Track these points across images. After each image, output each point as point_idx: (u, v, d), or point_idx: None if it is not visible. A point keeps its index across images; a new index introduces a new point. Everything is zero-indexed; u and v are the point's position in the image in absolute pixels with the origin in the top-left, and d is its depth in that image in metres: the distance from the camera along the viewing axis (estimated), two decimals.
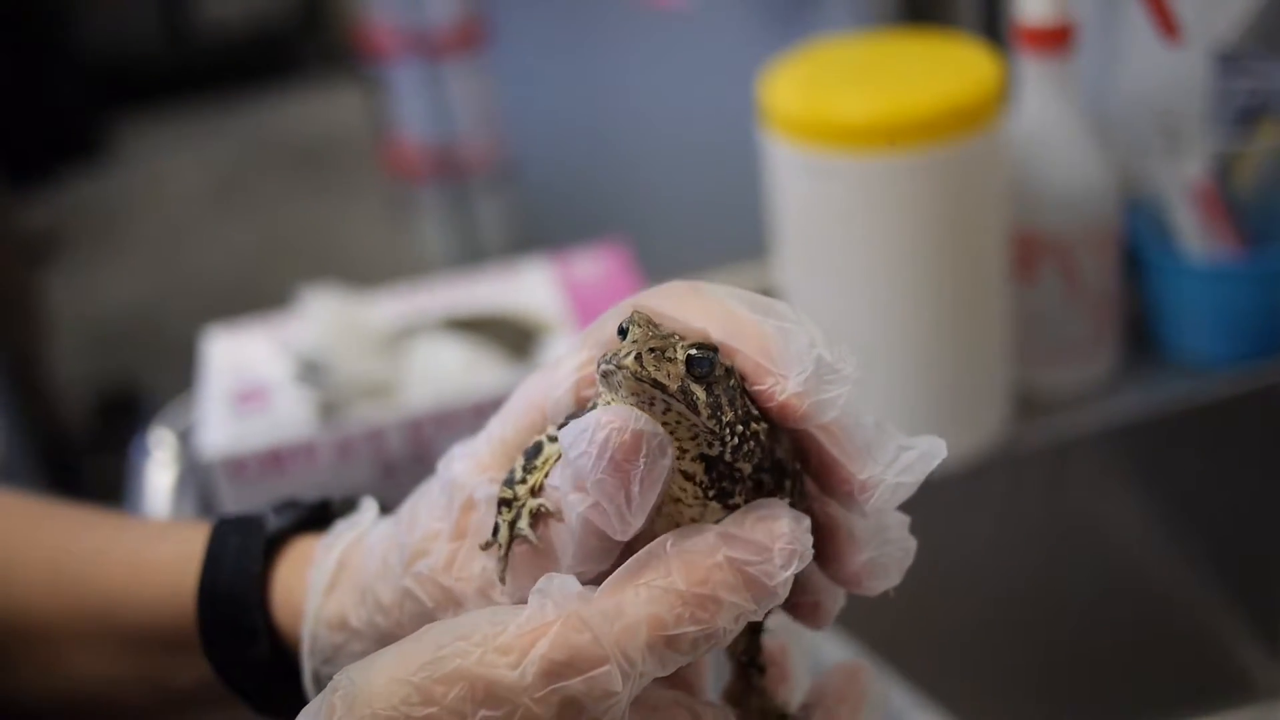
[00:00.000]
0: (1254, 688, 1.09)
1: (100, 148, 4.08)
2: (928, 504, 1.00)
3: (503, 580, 0.50)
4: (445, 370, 0.96)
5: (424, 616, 0.53)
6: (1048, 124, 1.00)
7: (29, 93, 3.73)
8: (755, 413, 0.47)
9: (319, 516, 0.62)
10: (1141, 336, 1.10)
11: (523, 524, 0.49)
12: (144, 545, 0.63)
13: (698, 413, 0.45)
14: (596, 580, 0.47)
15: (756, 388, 0.47)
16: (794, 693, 0.55)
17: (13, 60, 3.66)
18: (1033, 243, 1.02)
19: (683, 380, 0.45)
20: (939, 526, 1.02)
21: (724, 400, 0.46)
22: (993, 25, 1.24)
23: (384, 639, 0.55)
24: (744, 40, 1.66)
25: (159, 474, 1.05)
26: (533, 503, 0.49)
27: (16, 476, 2.57)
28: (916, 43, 1.00)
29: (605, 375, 0.45)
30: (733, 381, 0.47)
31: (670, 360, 0.45)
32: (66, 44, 3.92)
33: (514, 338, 1.00)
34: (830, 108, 0.92)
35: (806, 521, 0.46)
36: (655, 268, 1.18)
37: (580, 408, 0.51)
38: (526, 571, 0.50)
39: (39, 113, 3.80)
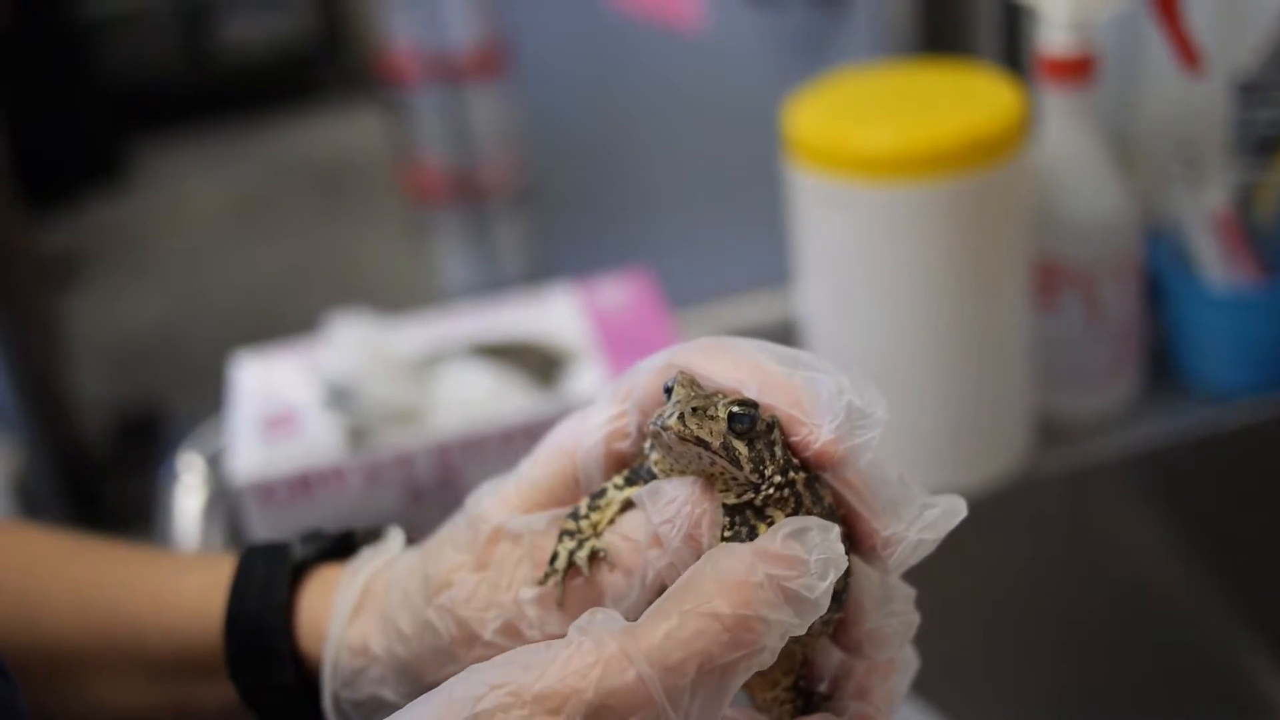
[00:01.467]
0: (1274, 714, 1.10)
1: (122, 171, 4.11)
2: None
3: (560, 604, 0.52)
4: (472, 396, 0.97)
5: (440, 650, 0.54)
6: (1069, 154, 1.01)
7: (51, 116, 3.76)
8: (795, 463, 0.49)
9: (343, 546, 0.64)
10: (1162, 365, 1.11)
11: (581, 554, 0.51)
12: (172, 576, 0.64)
13: (740, 467, 0.48)
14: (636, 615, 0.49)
15: (792, 438, 0.49)
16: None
17: (35, 84, 3.69)
18: (1054, 271, 1.03)
19: (725, 437, 0.47)
20: (959, 552, 1.03)
21: (765, 454, 0.48)
22: (1014, 56, 1.25)
23: (403, 668, 0.56)
24: (766, 68, 1.67)
25: (188, 498, 1.06)
26: (596, 543, 0.52)
27: (38, 497, 2.58)
28: (938, 73, 1.01)
29: (654, 435, 0.48)
30: (774, 435, 0.49)
31: (713, 418, 0.47)
32: (88, 68, 3.95)
33: (540, 364, 1.01)
34: (852, 138, 0.93)
35: (835, 530, 0.47)
36: (676, 294, 1.19)
37: (610, 459, 0.53)
38: (571, 605, 0.51)
39: (61, 136, 3.83)
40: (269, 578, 0.61)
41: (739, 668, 0.44)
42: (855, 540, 0.51)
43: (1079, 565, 1.07)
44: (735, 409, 0.48)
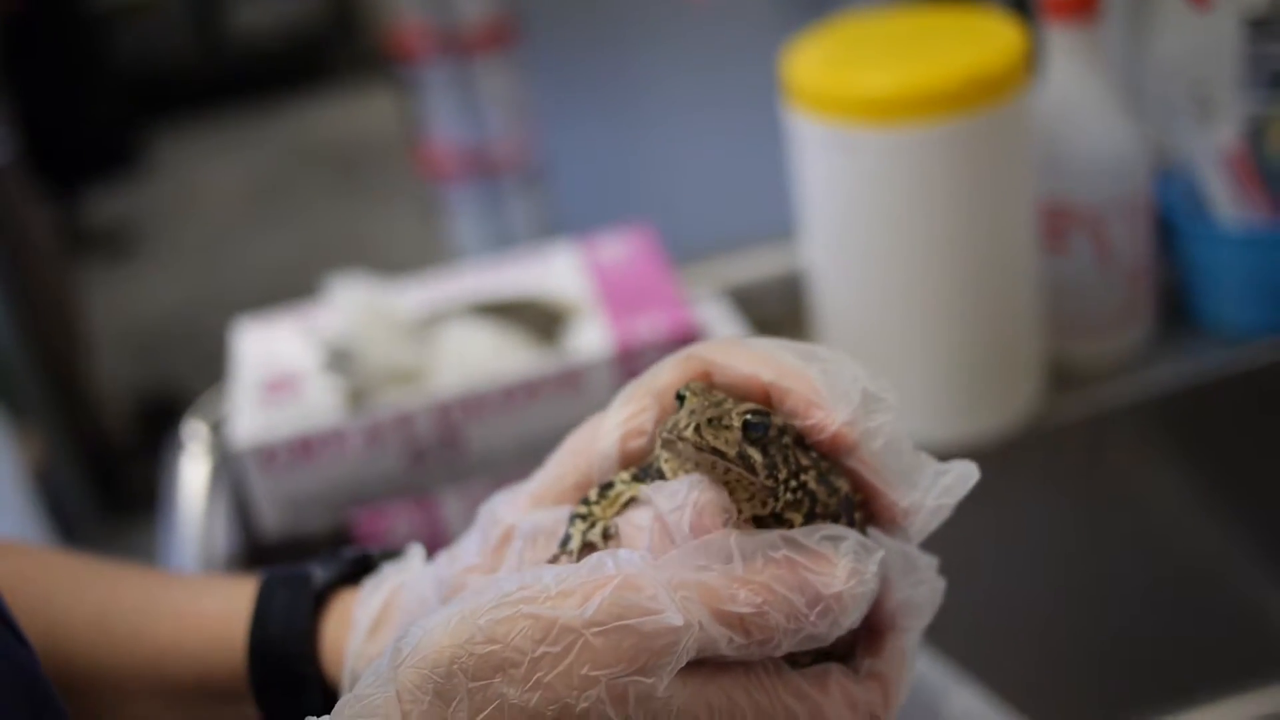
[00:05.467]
0: None
1: (138, 158, 4.11)
2: None
3: None
4: (473, 355, 0.96)
5: None
6: (1075, 93, 0.99)
7: (67, 106, 3.76)
8: (805, 463, 0.50)
9: (361, 569, 0.63)
10: (1176, 306, 1.09)
11: (595, 533, 0.51)
12: (190, 599, 0.64)
13: (755, 474, 0.48)
14: None
15: (808, 423, 0.50)
16: None
17: (50, 75, 3.69)
18: (1063, 213, 1.01)
19: (740, 445, 0.48)
20: (974, 500, 1.01)
21: (778, 459, 0.49)
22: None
23: None
24: (771, 25, 1.66)
25: (193, 467, 1.06)
26: (606, 521, 0.52)
27: (60, 483, 2.59)
28: (940, 15, 0.99)
29: (667, 444, 0.49)
30: (786, 439, 0.50)
31: (727, 428, 0.48)
32: (102, 57, 3.95)
33: (541, 321, 1.00)
34: (854, 81, 0.91)
35: (879, 553, 0.48)
36: (687, 255, 1.18)
37: (625, 458, 0.53)
38: None
39: (77, 126, 3.83)
40: (291, 606, 0.61)
41: (745, 626, 0.46)
42: (875, 514, 0.52)
43: (1096, 511, 1.05)
44: (750, 417, 0.48)
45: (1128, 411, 1.03)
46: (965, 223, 0.93)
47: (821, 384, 0.50)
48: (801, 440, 0.51)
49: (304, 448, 0.92)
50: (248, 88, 4.47)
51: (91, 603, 0.64)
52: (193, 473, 1.05)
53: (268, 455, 0.92)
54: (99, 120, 3.88)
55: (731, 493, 0.49)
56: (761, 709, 0.48)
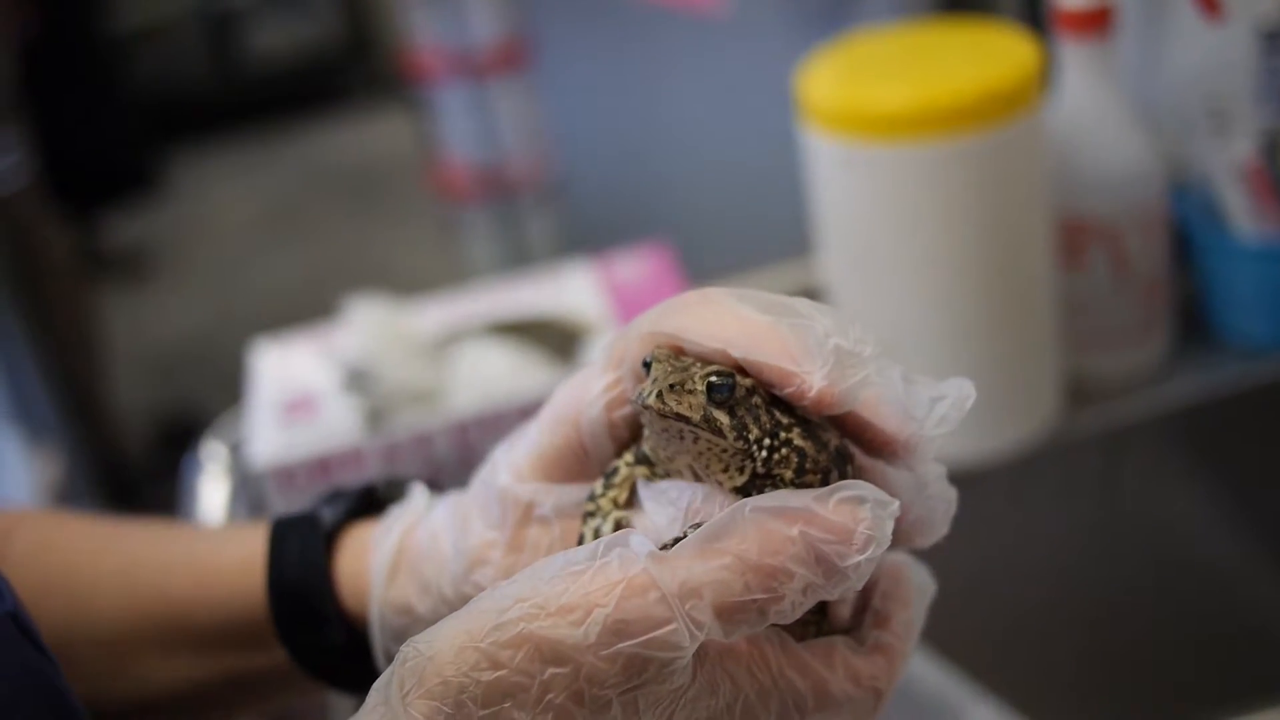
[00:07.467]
0: None
1: (154, 181, 4.13)
2: (981, 495, 0.99)
3: None
4: (491, 374, 0.96)
5: None
6: (1089, 108, 0.99)
7: (86, 130, 3.78)
8: (784, 421, 0.49)
9: (367, 503, 0.65)
10: (1193, 320, 1.09)
11: (607, 527, 0.52)
12: (209, 552, 0.66)
13: (724, 436, 0.48)
14: None
15: (786, 390, 0.49)
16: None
17: (66, 98, 3.71)
18: (1079, 228, 1.01)
19: (705, 409, 0.48)
20: (992, 517, 1.02)
21: (748, 419, 0.49)
22: (1034, 11, 1.23)
23: None
24: (785, 43, 1.66)
25: (212, 487, 1.06)
26: (617, 514, 0.52)
27: (78, 504, 2.59)
28: (954, 31, 1.00)
29: (638, 414, 0.49)
30: (755, 399, 0.49)
31: (691, 392, 0.48)
32: (118, 81, 3.97)
33: (558, 340, 1.00)
34: (868, 98, 0.91)
35: (893, 506, 0.47)
36: (703, 273, 1.18)
37: (614, 426, 0.54)
38: None
39: (96, 149, 3.85)
40: (304, 549, 0.62)
41: (757, 609, 0.45)
42: (874, 449, 0.51)
43: (1114, 527, 1.05)
44: (713, 379, 0.48)
45: (1145, 426, 1.03)
46: (981, 238, 0.93)
47: (795, 345, 0.48)
48: (778, 399, 0.50)
49: (323, 468, 0.93)
50: (263, 110, 4.50)
51: (115, 564, 0.66)
52: (212, 494, 1.06)
53: (287, 476, 0.92)
54: (116, 143, 3.90)
55: (708, 464, 0.49)
56: (764, 688, 0.48)
